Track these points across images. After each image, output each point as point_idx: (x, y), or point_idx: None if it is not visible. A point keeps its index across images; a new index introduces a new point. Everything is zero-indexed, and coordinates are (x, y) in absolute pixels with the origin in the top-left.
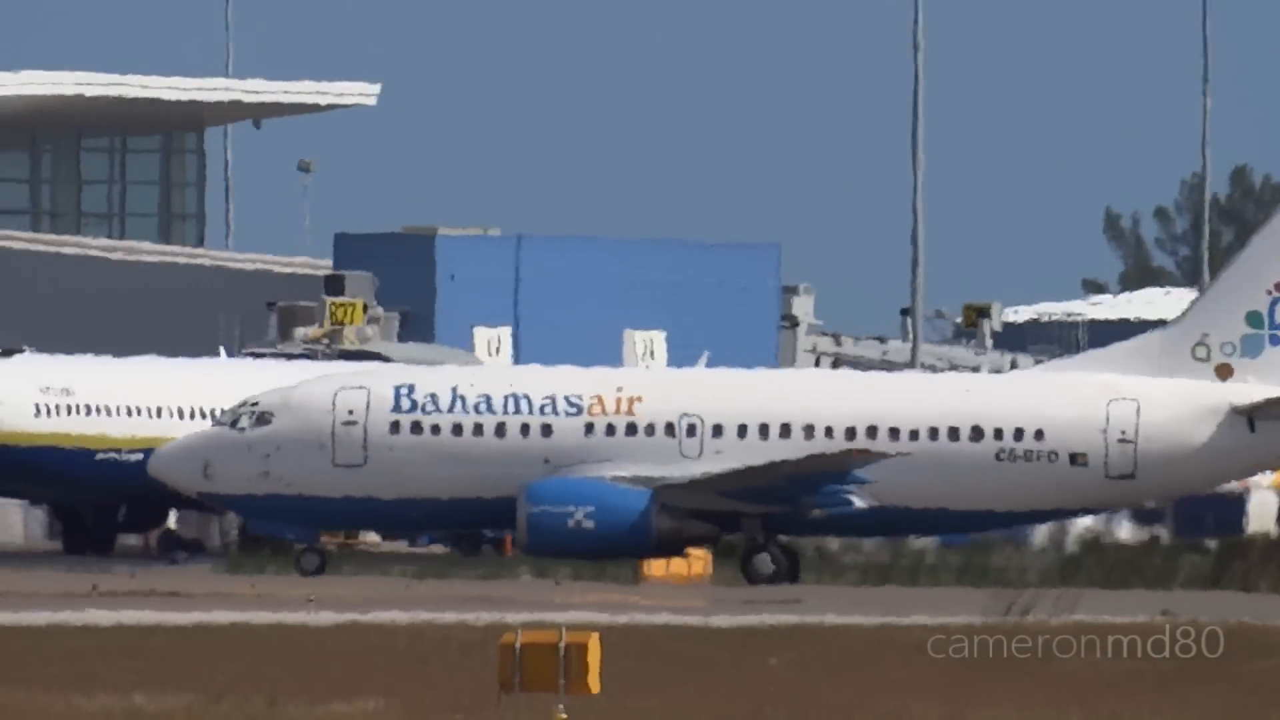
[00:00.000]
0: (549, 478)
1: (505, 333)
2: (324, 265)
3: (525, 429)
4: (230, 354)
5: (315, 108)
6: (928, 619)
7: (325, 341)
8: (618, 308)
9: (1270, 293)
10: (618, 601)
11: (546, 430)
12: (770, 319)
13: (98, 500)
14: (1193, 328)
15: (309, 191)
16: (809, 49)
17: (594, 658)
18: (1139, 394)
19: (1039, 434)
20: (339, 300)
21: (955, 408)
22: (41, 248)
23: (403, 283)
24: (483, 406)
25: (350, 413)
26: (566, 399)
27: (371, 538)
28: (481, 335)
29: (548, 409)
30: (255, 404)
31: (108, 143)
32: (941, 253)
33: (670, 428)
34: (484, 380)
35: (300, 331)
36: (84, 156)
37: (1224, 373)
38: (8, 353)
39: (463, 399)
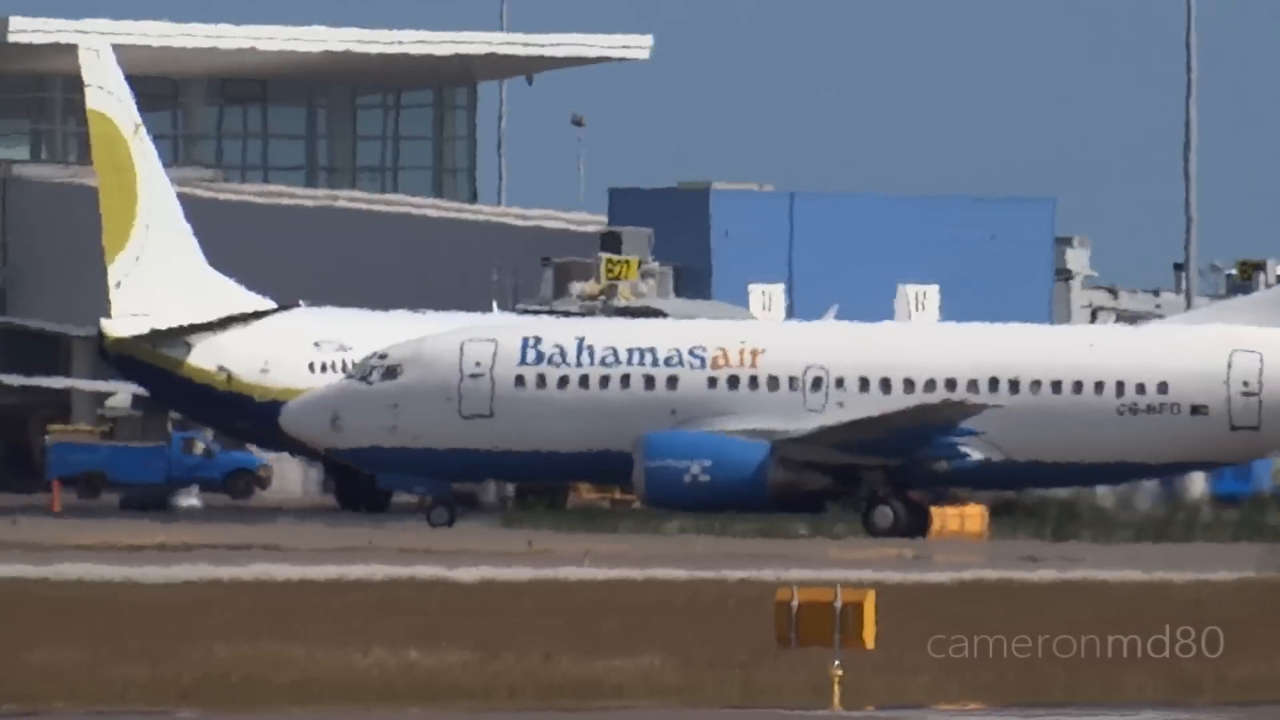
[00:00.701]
0: (666, 431)
1: (778, 289)
2: (597, 220)
3: (650, 381)
4: (503, 310)
5: (588, 61)
6: (1203, 575)
7: (601, 297)
8: (890, 263)
9: None
10: (894, 558)
11: (671, 382)
12: (1045, 272)
13: None
14: None
15: (582, 146)
16: (1082, 0)
17: (870, 614)
18: (1263, 345)
19: (1162, 386)
20: (614, 256)
21: (1078, 361)
22: (317, 203)
23: (677, 238)
24: (609, 359)
25: (477, 365)
26: (691, 351)
27: None
28: (755, 291)
29: (673, 361)
30: (384, 356)
31: (381, 98)
32: (1217, 207)
33: (793, 381)
34: (610, 332)
35: (575, 287)
36: (359, 112)
37: None
38: (283, 308)
39: (589, 351)
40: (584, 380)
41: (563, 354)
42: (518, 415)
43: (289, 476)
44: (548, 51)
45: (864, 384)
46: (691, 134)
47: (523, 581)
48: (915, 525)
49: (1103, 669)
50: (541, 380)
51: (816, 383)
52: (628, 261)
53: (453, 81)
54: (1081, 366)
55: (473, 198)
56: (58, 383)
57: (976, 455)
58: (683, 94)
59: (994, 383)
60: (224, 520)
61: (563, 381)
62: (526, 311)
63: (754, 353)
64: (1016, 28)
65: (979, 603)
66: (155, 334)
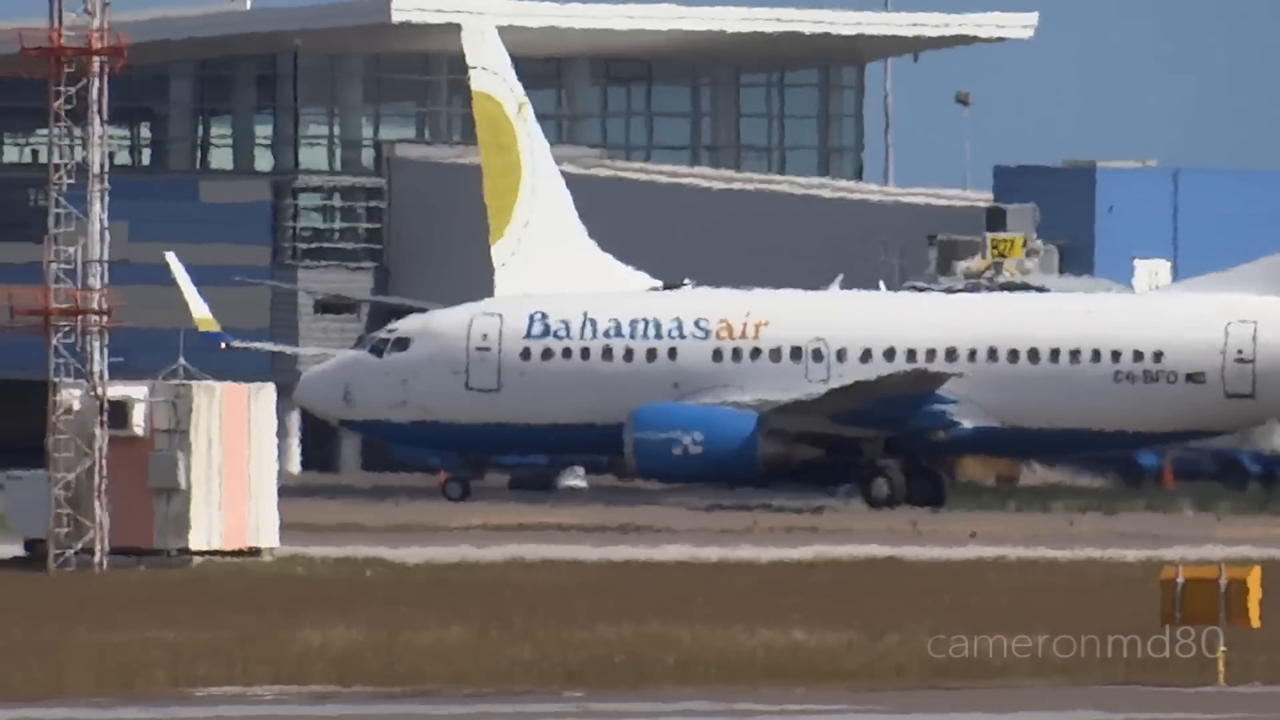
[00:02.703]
0: (657, 404)
1: (1164, 265)
2: (982, 198)
3: (652, 354)
4: (890, 288)
5: (973, 39)
6: None
7: (988, 275)
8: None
9: None
10: (1277, 536)
11: (673, 354)
12: None
13: None
14: None
15: (967, 124)
16: None
17: (1255, 592)
18: (1258, 314)
19: (1158, 355)
20: (1000, 235)
21: (1075, 330)
22: (702, 182)
23: (1062, 215)
24: (612, 332)
25: (484, 338)
26: (695, 323)
27: (1037, 471)
28: (1141, 267)
29: (675, 333)
30: (394, 330)
31: (766, 77)
32: None
33: (796, 352)
34: (615, 306)
35: (961, 265)
36: (743, 91)
37: None
38: (669, 287)
39: (593, 324)
40: (586, 353)
41: (567, 328)
42: (523, 388)
43: None
44: (934, 31)
45: (865, 355)
46: (1075, 111)
47: (908, 561)
48: (929, 495)
49: None
50: (547, 353)
51: (817, 354)
52: (1012, 239)
53: (838, 61)
54: (1078, 335)
55: (858, 177)
56: None
57: (969, 423)
58: (1066, 71)
59: (992, 352)
60: (608, 501)
61: (567, 354)
62: (914, 289)
63: (758, 324)
64: None
65: None
66: None
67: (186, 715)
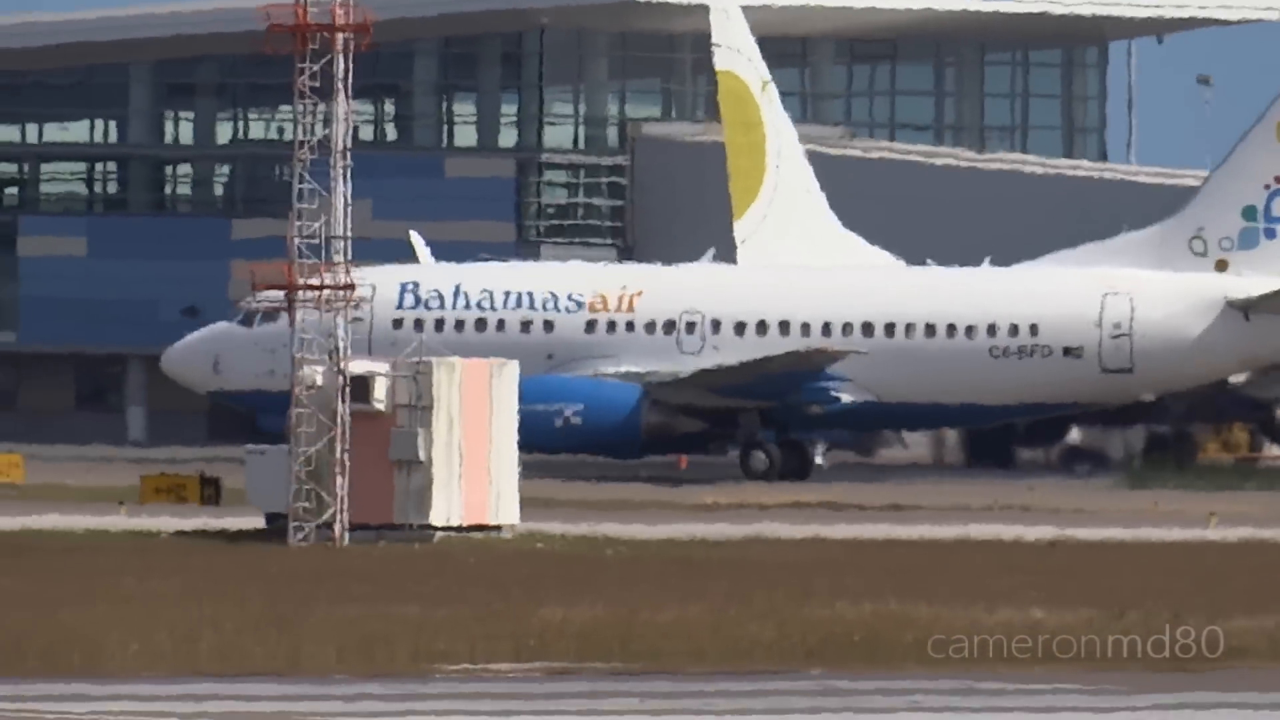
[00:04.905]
0: (537, 375)
1: None
2: None
3: (527, 325)
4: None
5: (1219, 22)
6: None
7: None
8: None
9: (1267, 187)
10: None
11: (548, 326)
12: None
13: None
14: (1189, 222)
15: (1209, 106)
16: None
17: None
18: (1134, 288)
19: (1034, 329)
20: None
21: (950, 304)
22: (945, 161)
23: None
24: (485, 303)
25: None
26: (569, 296)
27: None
28: None
29: (549, 305)
30: (263, 300)
31: (1009, 56)
32: None
33: (670, 325)
34: (487, 277)
35: None
36: (987, 70)
37: (1221, 266)
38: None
39: (465, 295)
40: (459, 324)
41: (440, 298)
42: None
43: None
44: (1181, 13)
45: (739, 328)
46: None
47: (1147, 542)
48: (795, 468)
49: None
50: (418, 324)
51: (690, 326)
52: None
53: (1083, 40)
54: (953, 310)
55: (1102, 157)
56: None
57: (848, 398)
58: None
59: (868, 327)
60: (852, 479)
61: (439, 324)
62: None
63: (632, 297)
64: None
65: None
66: None
67: (425, 691)
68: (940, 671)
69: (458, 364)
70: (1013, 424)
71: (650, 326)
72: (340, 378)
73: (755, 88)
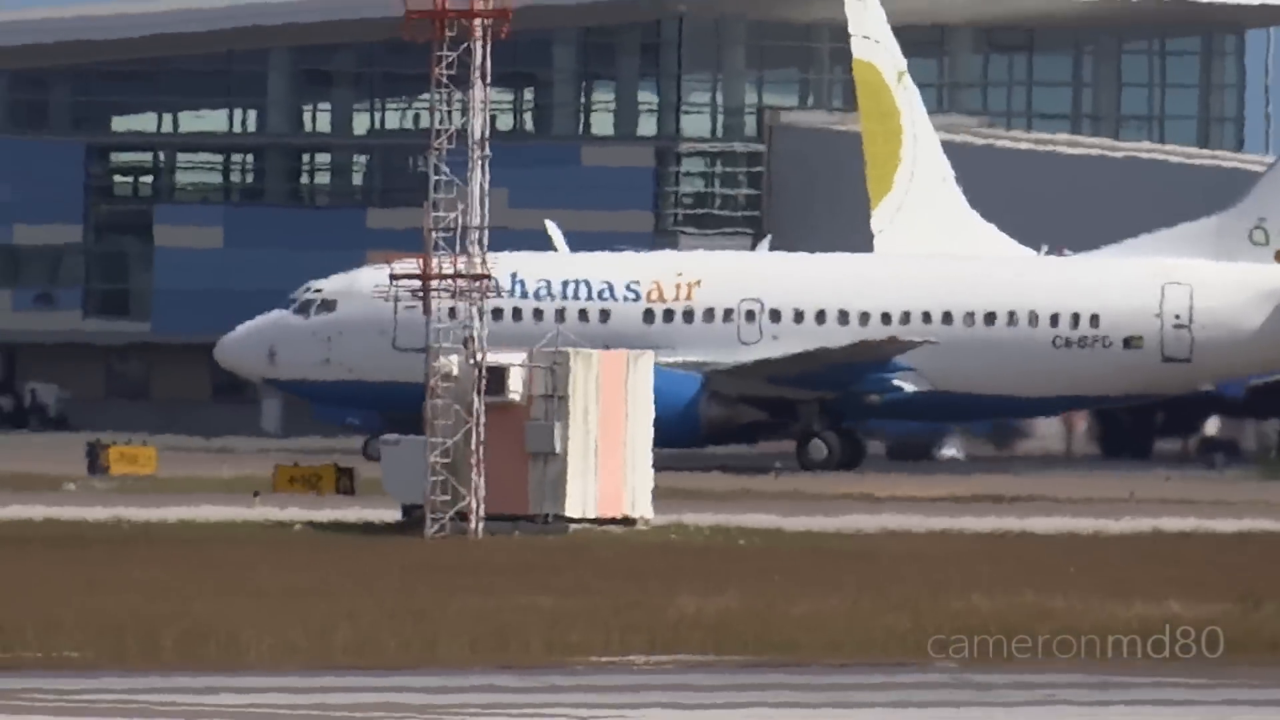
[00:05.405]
0: None
1: None
2: None
3: (583, 314)
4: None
5: None
6: None
7: None
8: None
9: None
10: None
11: (604, 316)
12: None
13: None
14: (1251, 211)
15: None
16: None
17: None
18: (1194, 278)
19: (1094, 319)
20: None
21: (1011, 294)
22: (1082, 150)
23: None
24: (542, 292)
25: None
26: (626, 285)
27: None
28: None
29: (606, 295)
30: (319, 290)
31: (1146, 45)
32: None
33: (728, 314)
34: (544, 266)
35: None
36: (1124, 59)
37: None
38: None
39: (522, 284)
40: (516, 312)
41: (496, 287)
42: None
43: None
44: None
45: (798, 316)
46: None
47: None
48: (850, 458)
49: None
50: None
51: (749, 315)
52: None
53: (1221, 28)
54: (1014, 299)
55: (1239, 146)
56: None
57: (910, 388)
58: None
59: (926, 316)
60: (986, 470)
61: (497, 314)
62: None
63: (690, 285)
64: None
65: None
66: None
67: (561, 683)
68: (1076, 666)
69: (595, 355)
70: (1150, 415)
71: (709, 315)
72: (476, 369)
73: (891, 77)
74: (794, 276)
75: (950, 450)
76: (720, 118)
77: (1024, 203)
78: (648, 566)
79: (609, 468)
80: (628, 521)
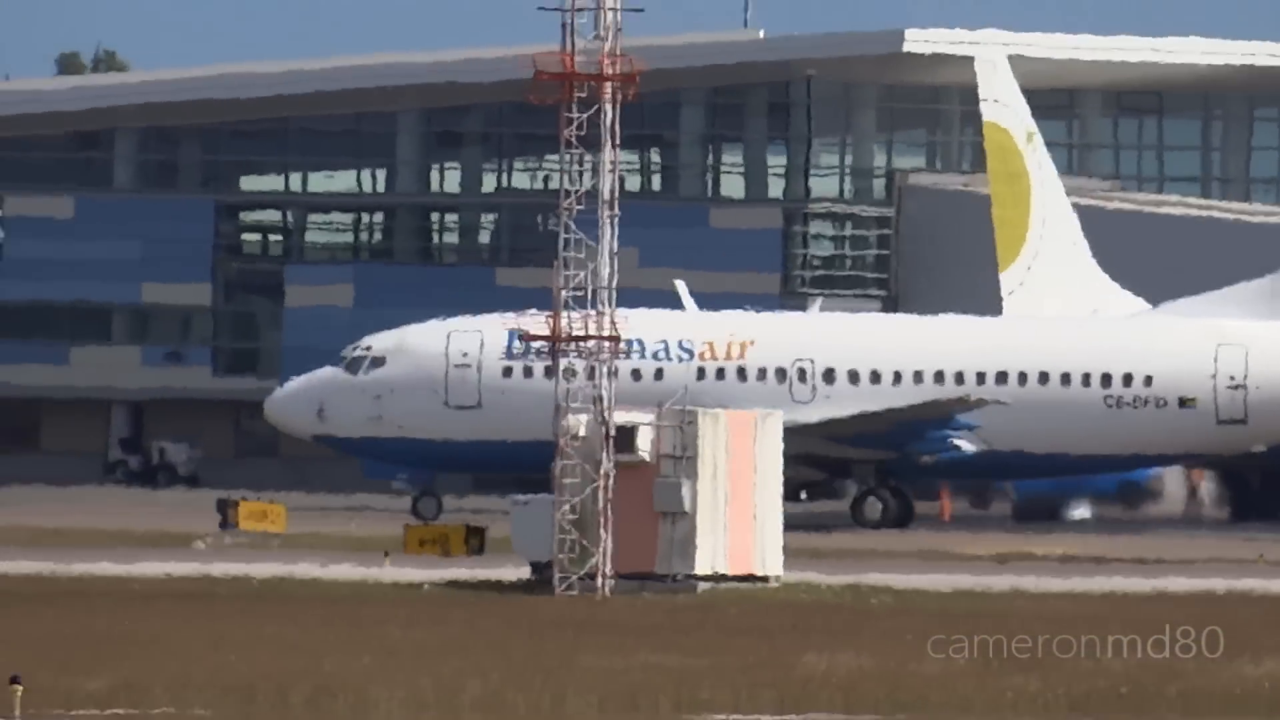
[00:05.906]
0: None
1: None
2: None
3: (637, 373)
4: None
5: None
6: None
7: None
8: None
9: None
10: None
11: (659, 375)
12: None
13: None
14: None
15: None
16: None
17: None
18: (1248, 338)
19: (1148, 380)
20: None
21: (1064, 354)
22: (1212, 214)
23: None
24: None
25: (464, 355)
26: (679, 344)
27: None
28: None
29: (660, 354)
30: (369, 347)
31: (1276, 111)
32: None
33: (781, 373)
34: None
35: None
36: (1255, 124)
37: None
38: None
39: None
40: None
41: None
42: (503, 406)
43: (1172, 488)
44: None
45: (853, 376)
46: None
47: None
48: (902, 517)
49: None
50: (528, 371)
51: (802, 374)
52: None
53: None
54: (1068, 359)
55: None
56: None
57: (969, 448)
58: None
59: (980, 376)
60: (1113, 531)
61: (549, 372)
62: None
63: (743, 345)
64: None
65: None
66: None
67: None
68: None
69: (722, 414)
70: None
71: (761, 374)
72: (604, 428)
73: (1021, 139)
74: (846, 337)
75: (1080, 511)
76: (849, 179)
77: (1153, 266)
78: (778, 624)
79: (738, 526)
80: (757, 579)
